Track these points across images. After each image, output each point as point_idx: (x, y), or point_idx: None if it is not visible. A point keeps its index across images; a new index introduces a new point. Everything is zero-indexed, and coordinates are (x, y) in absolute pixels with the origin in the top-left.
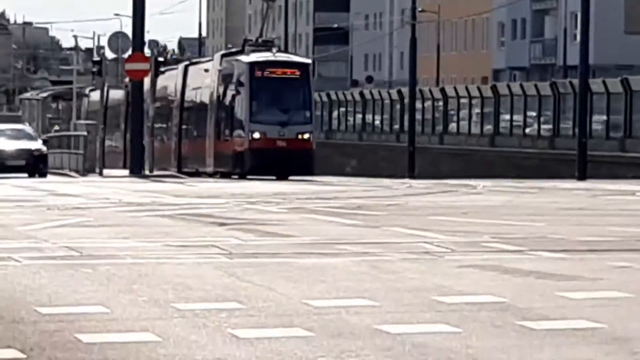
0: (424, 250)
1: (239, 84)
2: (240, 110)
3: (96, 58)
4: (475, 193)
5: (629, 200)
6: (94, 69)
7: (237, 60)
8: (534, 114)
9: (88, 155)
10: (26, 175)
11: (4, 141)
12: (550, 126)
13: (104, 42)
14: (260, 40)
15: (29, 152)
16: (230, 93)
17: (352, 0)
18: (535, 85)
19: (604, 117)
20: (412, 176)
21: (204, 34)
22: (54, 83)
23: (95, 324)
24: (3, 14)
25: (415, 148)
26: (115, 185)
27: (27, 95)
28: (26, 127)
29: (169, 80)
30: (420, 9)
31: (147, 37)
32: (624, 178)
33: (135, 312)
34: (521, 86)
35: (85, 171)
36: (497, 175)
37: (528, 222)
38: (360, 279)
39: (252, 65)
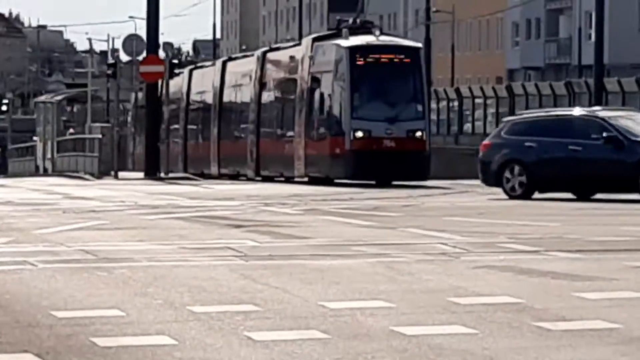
0: (439, 251)
1: (337, 72)
2: (338, 104)
3: (111, 61)
4: (490, 193)
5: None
6: (109, 72)
7: (333, 44)
8: None
9: (103, 158)
10: None
11: None
12: None
13: (118, 44)
14: (358, 21)
15: None
16: (325, 84)
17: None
18: (550, 85)
19: None
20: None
21: (218, 36)
22: (68, 86)
23: (110, 328)
24: (17, 17)
25: (430, 149)
26: (131, 188)
27: (42, 98)
28: None
29: (240, 72)
30: (434, 9)
31: (162, 39)
32: None
33: (151, 315)
34: (536, 86)
35: (101, 174)
36: None
37: (544, 222)
38: (376, 280)
39: (353, 50)
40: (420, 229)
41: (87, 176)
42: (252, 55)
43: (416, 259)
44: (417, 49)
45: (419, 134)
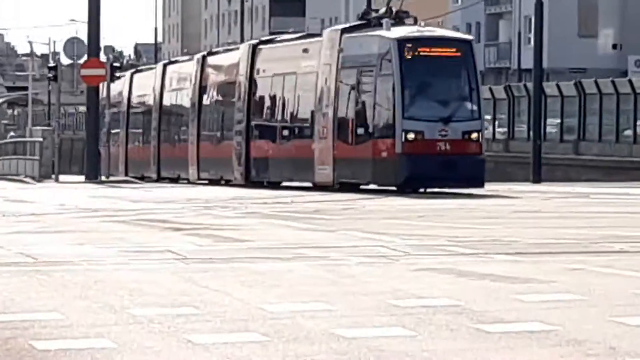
0: (380, 254)
1: (381, 67)
2: (385, 102)
3: (52, 64)
4: (431, 196)
5: (583, 202)
6: (50, 75)
7: (375, 36)
8: (488, 117)
9: (44, 161)
10: None
11: None
12: (505, 129)
13: (59, 48)
14: (393, 9)
15: None
16: (362, 80)
17: (308, 4)
18: (490, 89)
19: (558, 120)
20: None
21: (160, 39)
22: (9, 89)
23: (50, 331)
24: None
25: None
26: (71, 192)
27: None
28: None
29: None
30: None
31: (103, 42)
32: (578, 180)
33: (91, 318)
34: None
35: (42, 177)
36: None
37: (483, 225)
38: (316, 283)
39: (402, 42)
40: (361, 231)
41: (27, 179)
42: (192, 58)
43: (356, 261)
44: (470, 41)
45: (475, 135)
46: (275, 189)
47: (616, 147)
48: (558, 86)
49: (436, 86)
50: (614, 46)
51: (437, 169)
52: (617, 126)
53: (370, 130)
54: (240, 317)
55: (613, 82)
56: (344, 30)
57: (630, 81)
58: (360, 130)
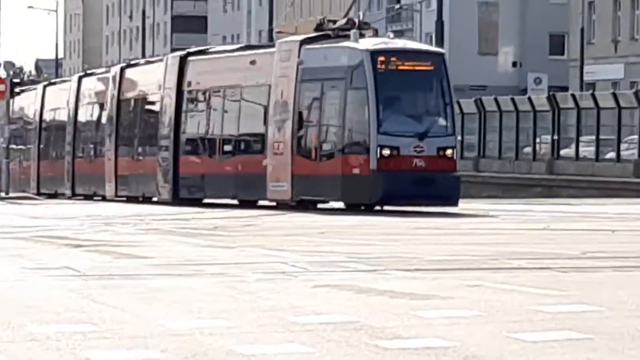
0: (279, 271)
1: (352, 80)
2: (357, 116)
3: None
4: (332, 213)
5: (482, 219)
6: None
7: (345, 47)
8: None
9: None
10: None
11: None
12: None
13: None
14: (357, 21)
15: None
16: (330, 93)
17: (210, 21)
18: None
19: (459, 137)
20: None
21: (61, 55)
22: None
23: None
24: None
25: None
26: None
27: None
28: None
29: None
30: (277, 30)
31: (2, 58)
32: (478, 197)
33: None
34: None
35: None
36: None
37: (383, 241)
38: (216, 299)
39: (375, 54)
40: (261, 248)
41: None
42: (109, 71)
43: (256, 278)
44: (442, 54)
45: (449, 152)
46: (211, 207)
47: (516, 164)
48: (459, 103)
49: (411, 100)
50: (514, 64)
51: (413, 186)
52: (517, 143)
53: (339, 145)
54: (139, 334)
55: (513, 100)
56: (303, 42)
57: (529, 99)
58: (327, 146)
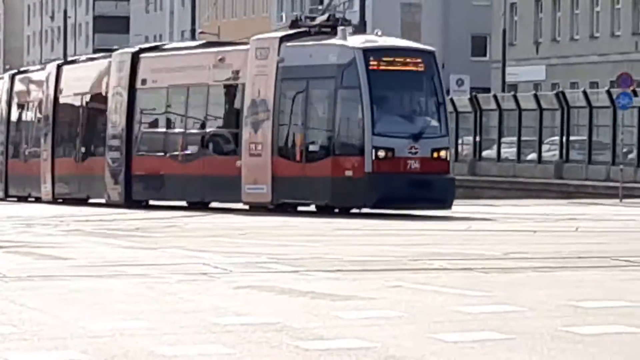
0: (201, 272)
1: (342, 79)
2: (349, 116)
3: None
4: (252, 214)
5: (403, 220)
6: None
7: (335, 45)
8: None
9: None
10: None
11: None
12: None
13: None
14: (333, 17)
15: None
16: (317, 92)
17: (132, 22)
18: None
19: None
20: None
21: None
22: None
23: None
24: None
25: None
26: None
27: None
28: None
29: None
30: (200, 31)
31: None
32: None
33: None
34: None
35: None
36: None
37: (305, 242)
38: (137, 301)
39: (367, 52)
40: (183, 249)
41: None
42: (44, 68)
43: (178, 279)
44: (433, 52)
45: (443, 153)
46: (171, 209)
47: None
48: None
49: (404, 100)
50: None
51: (408, 189)
52: None
53: (329, 146)
54: (59, 335)
55: None
56: (282, 39)
57: (452, 100)
58: (314, 147)
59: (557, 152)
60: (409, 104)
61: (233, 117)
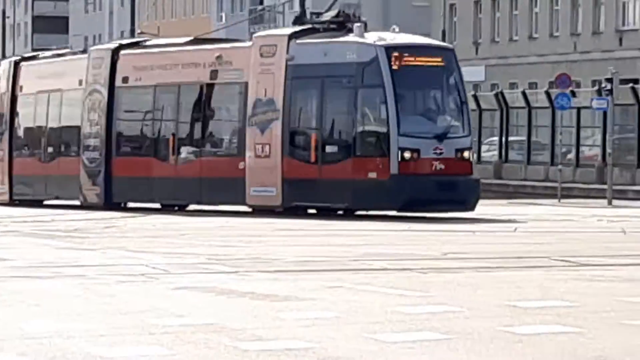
0: (139, 273)
1: (363, 78)
2: (372, 116)
3: None
4: (192, 215)
5: (342, 220)
6: None
7: (352, 42)
8: None
9: None
10: None
11: None
12: None
13: None
14: (343, 13)
15: None
16: (334, 91)
17: (71, 22)
18: None
19: None
20: None
21: None
22: None
23: None
24: None
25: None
26: None
27: None
28: None
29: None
30: (139, 31)
31: None
32: None
33: None
34: None
35: None
36: None
37: (245, 243)
38: (75, 302)
39: (390, 50)
40: (122, 250)
41: None
42: None
43: (116, 280)
44: (453, 49)
45: (467, 154)
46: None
47: None
48: None
49: (428, 99)
50: None
51: (434, 191)
52: None
53: (349, 147)
54: None
55: None
56: (291, 36)
57: None
58: (331, 148)
59: (496, 153)
60: (432, 103)
61: (234, 117)
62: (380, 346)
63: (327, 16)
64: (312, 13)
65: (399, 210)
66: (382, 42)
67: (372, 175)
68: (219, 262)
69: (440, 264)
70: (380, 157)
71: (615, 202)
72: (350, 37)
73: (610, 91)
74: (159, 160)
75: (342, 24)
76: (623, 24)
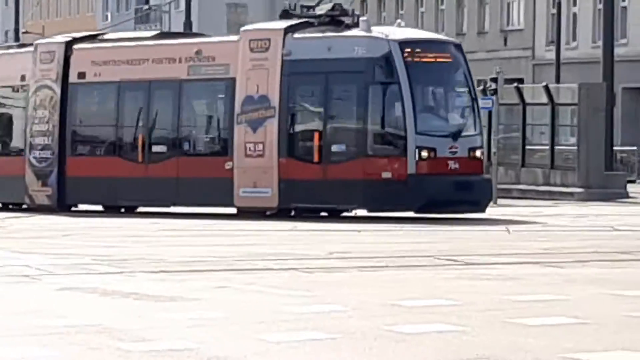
0: (23, 274)
1: (374, 73)
2: (386, 114)
3: None
4: (81, 215)
5: (228, 220)
6: None
7: (362, 37)
8: None
9: None
10: None
11: None
12: None
13: None
14: (339, 6)
15: None
16: (339, 87)
17: None
18: None
19: None
20: None
21: None
22: None
23: None
24: None
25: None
26: None
27: None
28: None
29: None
30: (24, 30)
31: None
32: None
33: None
34: None
35: None
36: None
37: (130, 243)
38: None
39: (403, 45)
40: (5, 250)
41: None
42: None
43: (0, 281)
44: (460, 45)
45: (479, 153)
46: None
47: None
48: None
49: (442, 96)
50: None
51: (451, 191)
52: None
53: (359, 146)
54: None
55: None
56: (287, 30)
57: None
58: (338, 147)
59: None
60: (446, 100)
61: (218, 115)
62: (265, 346)
63: (320, 10)
64: (302, 6)
65: (416, 211)
66: (395, 37)
67: (387, 175)
68: (103, 262)
69: (325, 263)
70: (395, 157)
71: (500, 201)
72: (357, 32)
73: (495, 91)
74: (124, 159)
75: (334, 18)
76: (507, 24)
